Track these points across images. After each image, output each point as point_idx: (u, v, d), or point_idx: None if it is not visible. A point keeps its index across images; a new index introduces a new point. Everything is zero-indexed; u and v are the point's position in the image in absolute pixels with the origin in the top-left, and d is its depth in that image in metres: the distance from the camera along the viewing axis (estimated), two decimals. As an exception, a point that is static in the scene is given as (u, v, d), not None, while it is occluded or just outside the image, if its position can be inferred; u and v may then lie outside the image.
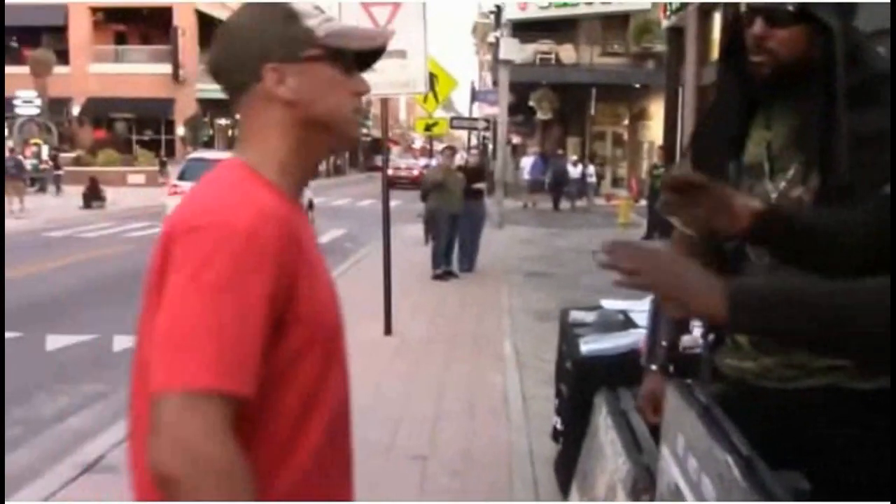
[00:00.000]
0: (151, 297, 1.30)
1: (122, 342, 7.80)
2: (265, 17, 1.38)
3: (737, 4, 2.02)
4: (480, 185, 12.73)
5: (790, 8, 1.87)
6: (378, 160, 38.39)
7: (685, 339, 2.57)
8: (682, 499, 1.65)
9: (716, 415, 1.69)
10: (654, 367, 2.51)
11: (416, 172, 31.42)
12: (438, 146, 59.17)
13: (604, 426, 2.91)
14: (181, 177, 17.36)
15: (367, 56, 1.46)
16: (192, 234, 1.24)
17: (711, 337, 2.35)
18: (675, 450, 1.76)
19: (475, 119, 24.99)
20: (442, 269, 11.74)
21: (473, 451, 4.85)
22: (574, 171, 26.11)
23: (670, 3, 16.44)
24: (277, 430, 1.30)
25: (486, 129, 25.40)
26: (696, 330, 2.72)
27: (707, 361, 2.38)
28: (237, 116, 1.44)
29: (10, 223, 19.39)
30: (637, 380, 3.33)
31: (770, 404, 2.06)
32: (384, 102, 8.36)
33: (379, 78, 7.86)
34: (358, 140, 2.24)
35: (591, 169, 25.84)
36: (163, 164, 37.44)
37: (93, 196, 24.27)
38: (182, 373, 1.15)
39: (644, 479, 2.21)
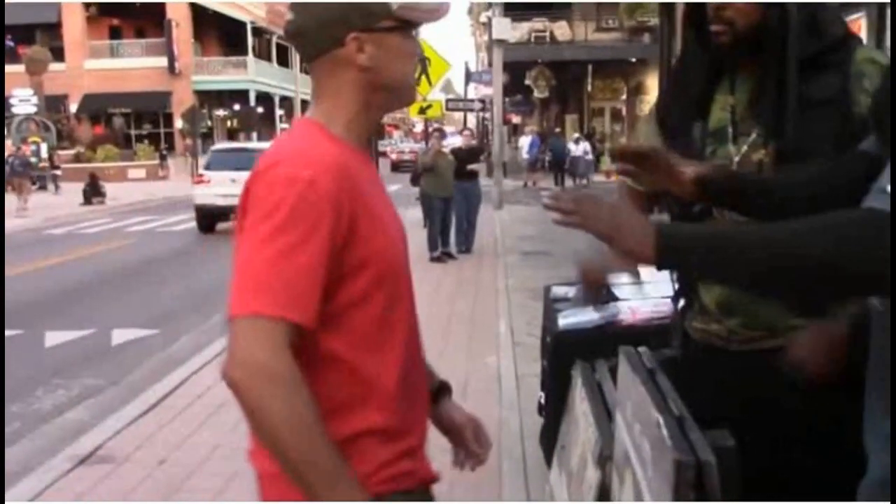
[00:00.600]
0: (237, 233, 1.46)
1: (121, 335, 7.90)
2: None
3: None
4: (474, 167, 12.71)
5: None
6: (380, 146, 38.40)
7: None
8: (630, 464, 1.68)
9: (658, 380, 1.72)
10: None
11: (413, 155, 31.70)
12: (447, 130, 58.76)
13: (578, 398, 2.95)
14: (207, 167, 17.47)
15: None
16: (263, 180, 1.41)
17: (682, 302, 2.39)
18: (626, 416, 1.79)
19: (471, 100, 24.92)
20: (439, 252, 11.77)
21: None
22: (576, 149, 25.64)
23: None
24: (354, 365, 1.47)
25: (483, 109, 25.31)
26: None
27: (677, 326, 2.41)
28: (311, 75, 1.56)
29: (10, 222, 19.44)
30: (611, 352, 3.37)
31: (735, 366, 2.10)
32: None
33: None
34: (413, 102, 2.29)
35: (587, 146, 25.73)
36: (163, 158, 37.49)
37: (93, 192, 24.32)
38: (251, 302, 1.34)
39: (609, 448, 2.24)
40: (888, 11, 7.37)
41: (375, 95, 1.54)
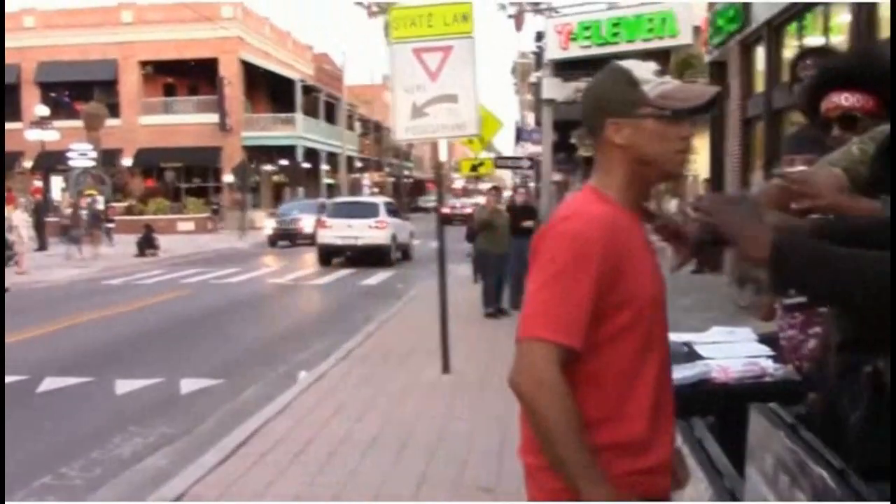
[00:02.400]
0: (531, 271, 1.80)
1: (189, 385, 8.05)
2: (614, 82, 1.83)
3: None
4: (529, 224, 12.82)
5: None
6: (420, 201, 38.74)
7: None
8: (774, 513, 1.75)
9: (803, 434, 1.79)
10: None
11: (468, 210, 32.17)
12: (482, 186, 59.30)
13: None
14: (329, 215, 21.75)
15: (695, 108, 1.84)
16: (551, 233, 1.76)
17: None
18: (764, 469, 1.86)
19: (519, 158, 25.15)
20: (493, 308, 11.84)
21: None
22: None
23: (711, 38, 16.53)
24: (608, 383, 1.75)
25: (531, 167, 25.50)
26: None
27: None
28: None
29: (67, 272, 19.92)
30: (707, 410, 3.43)
31: None
32: (448, 147, 8.53)
33: (431, 122, 8.08)
34: (682, 173, 2.40)
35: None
36: (215, 212, 38.22)
37: (146, 244, 24.81)
38: (535, 328, 1.69)
39: (726, 502, 2.30)
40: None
41: (639, 168, 1.83)
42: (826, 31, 11.07)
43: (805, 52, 3.62)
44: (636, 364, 1.76)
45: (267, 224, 30.15)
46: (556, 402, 1.64)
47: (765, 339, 3.96)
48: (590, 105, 1.85)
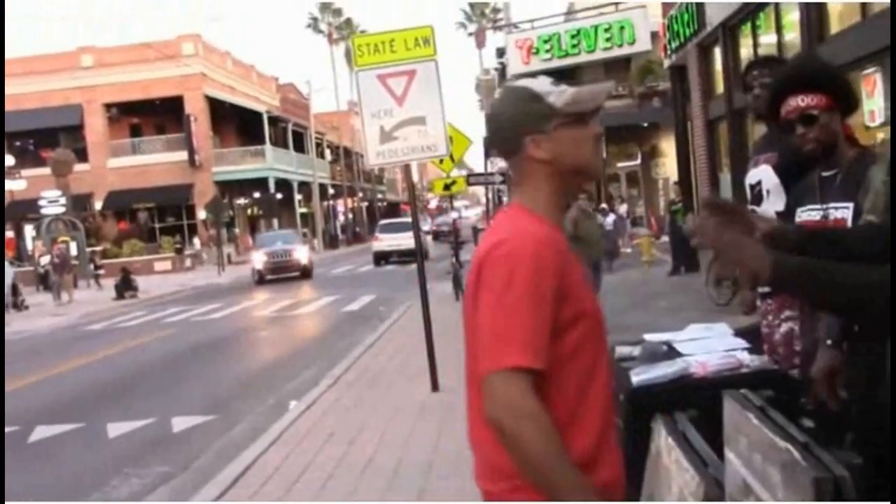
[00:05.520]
0: (469, 307, 1.80)
1: (181, 423, 8.09)
2: (520, 101, 1.83)
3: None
4: None
5: None
6: (378, 228, 39.16)
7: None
8: (751, 491, 1.88)
9: (771, 414, 1.94)
10: (829, 341, 2.70)
11: (450, 225, 34.25)
12: (458, 204, 59.10)
13: (665, 447, 3.15)
14: (379, 232, 32.79)
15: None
16: (494, 257, 1.74)
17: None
18: (740, 451, 2.00)
19: (491, 174, 25.37)
20: None
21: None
22: (608, 222, 21.23)
23: (670, 43, 16.83)
24: (567, 399, 1.75)
25: (503, 182, 25.74)
26: None
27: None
28: (508, 170, 1.99)
29: (46, 321, 19.85)
30: (689, 404, 3.56)
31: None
32: (421, 167, 8.68)
33: (401, 145, 8.22)
34: (601, 173, 2.46)
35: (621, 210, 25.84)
36: (177, 251, 38.06)
37: (125, 286, 24.76)
38: (502, 358, 1.66)
39: (713, 489, 2.44)
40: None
41: (564, 179, 1.85)
42: (779, 29, 11.36)
43: (752, 64, 3.90)
44: (588, 380, 1.78)
45: (255, 258, 28.25)
46: (541, 433, 1.64)
47: (740, 333, 4.12)
48: (502, 127, 1.85)
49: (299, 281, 26.40)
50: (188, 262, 37.92)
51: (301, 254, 28.18)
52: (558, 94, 1.81)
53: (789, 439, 1.65)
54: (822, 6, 9.75)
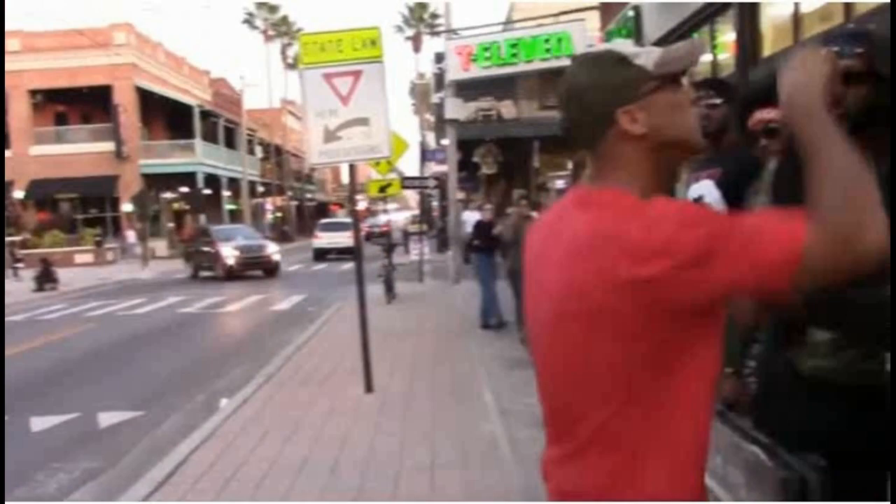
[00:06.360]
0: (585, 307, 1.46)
1: (108, 418, 7.94)
2: (602, 70, 1.56)
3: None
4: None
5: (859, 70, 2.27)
6: (318, 227, 38.96)
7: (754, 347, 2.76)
8: (710, 490, 1.95)
9: (730, 417, 2.01)
10: (728, 370, 2.72)
11: (383, 227, 35.08)
12: (389, 207, 58.85)
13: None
14: (320, 230, 35.80)
15: None
16: (661, 218, 1.41)
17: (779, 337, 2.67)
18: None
19: (425, 178, 25.45)
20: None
21: (473, 495, 5.10)
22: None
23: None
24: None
25: (436, 186, 25.82)
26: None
27: (775, 359, 2.64)
28: (590, 157, 1.60)
29: (-37, 311, 19.16)
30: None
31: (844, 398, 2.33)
32: (335, 169, 8.67)
33: (344, 145, 8.22)
34: (703, 143, 2.14)
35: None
36: (97, 244, 37.17)
37: (45, 278, 24.07)
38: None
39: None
40: None
41: (663, 154, 1.57)
42: (713, 48, 11.67)
43: (697, 85, 4.05)
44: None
45: (225, 252, 25.77)
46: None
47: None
48: (591, 104, 1.55)
49: (228, 280, 26.05)
50: (110, 256, 37.05)
51: (272, 249, 27.30)
52: (647, 55, 1.56)
53: (755, 442, 1.72)
54: (756, 27, 10.07)
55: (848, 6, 7.76)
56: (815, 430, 2.18)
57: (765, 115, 2.96)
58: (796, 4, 8.81)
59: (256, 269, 26.35)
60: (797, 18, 8.85)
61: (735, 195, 3.42)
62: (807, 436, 1.92)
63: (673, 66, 1.55)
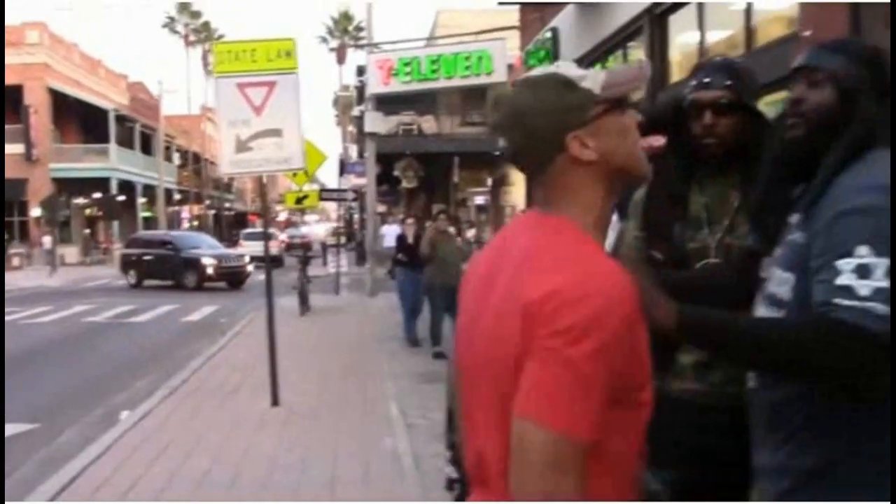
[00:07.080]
0: (500, 355, 1.40)
1: (11, 429, 7.67)
2: (547, 93, 1.49)
3: (679, 99, 2.60)
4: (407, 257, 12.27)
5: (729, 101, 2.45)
6: (241, 236, 38.51)
7: None
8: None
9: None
10: None
11: (304, 239, 35.12)
12: (307, 218, 58.53)
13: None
14: (243, 239, 34.99)
15: None
16: (577, 303, 1.33)
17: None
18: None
19: (344, 190, 25.40)
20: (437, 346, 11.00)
21: (372, 509, 5.11)
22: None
23: (525, 77, 17.38)
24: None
25: (355, 199, 25.79)
26: None
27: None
28: (538, 183, 1.54)
29: None
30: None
31: (713, 418, 2.42)
32: (270, 179, 8.61)
33: (256, 156, 8.16)
34: (648, 171, 2.06)
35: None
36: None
37: (-56, 283, 23.17)
38: (561, 420, 1.30)
39: None
40: None
41: (613, 182, 1.52)
42: (627, 72, 11.99)
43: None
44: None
45: (206, 262, 24.97)
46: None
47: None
48: (537, 129, 1.48)
49: (137, 289, 25.44)
50: (16, 261, 35.89)
51: (247, 260, 26.44)
52: (593, 78, 1.50)
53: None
54: (666, 49, 10.40)
55: (749, 37, 8.08)
56: (677, 448, 2.28)
57: (651, 141, 2.95)
58: (702, 34, 9.13)
59: (231, 278, 25.54)
60: (703, 48, 9.17)
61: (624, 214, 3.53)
62: (667, 454, 2.01)
63: (619, 89, 1.51)
